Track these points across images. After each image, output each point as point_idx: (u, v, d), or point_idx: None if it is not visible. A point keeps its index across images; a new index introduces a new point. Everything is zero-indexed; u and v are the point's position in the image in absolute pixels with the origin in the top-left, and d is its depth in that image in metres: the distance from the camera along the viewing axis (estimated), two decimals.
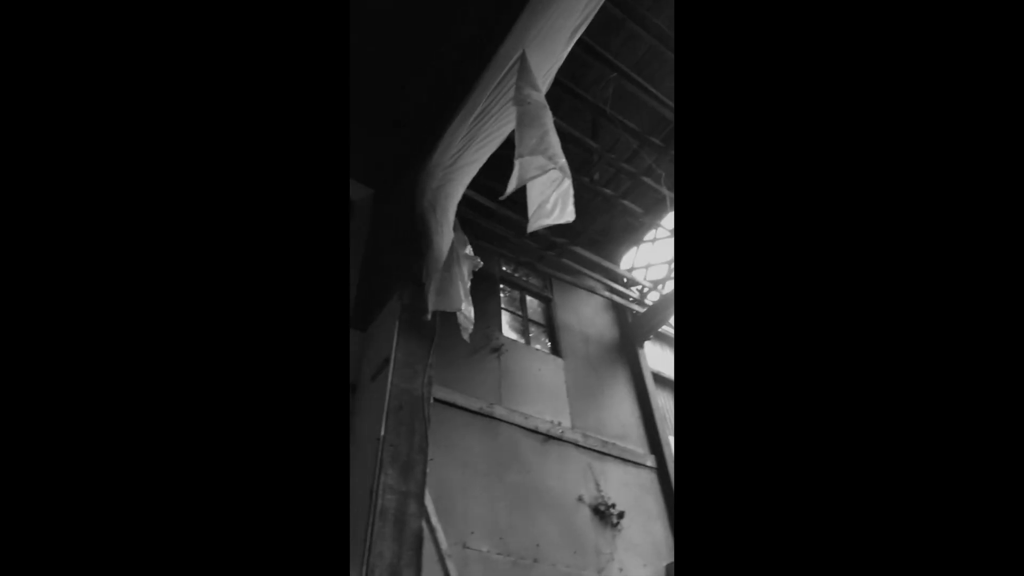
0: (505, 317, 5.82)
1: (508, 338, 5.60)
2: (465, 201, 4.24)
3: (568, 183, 3.29)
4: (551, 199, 3.45)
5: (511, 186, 3.08)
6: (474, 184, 4.13)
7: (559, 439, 5.07)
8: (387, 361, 3.56)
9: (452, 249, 3.88)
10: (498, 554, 4.09)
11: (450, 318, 3.92)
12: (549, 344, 6.02)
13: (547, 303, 6.39)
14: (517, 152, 2.99)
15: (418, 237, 4.00)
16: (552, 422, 5.15)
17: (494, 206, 5.27)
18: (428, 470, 3.31)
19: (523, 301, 6.19)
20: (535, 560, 4.24)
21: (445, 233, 3.80)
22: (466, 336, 3.81)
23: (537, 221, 3.45)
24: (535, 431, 4.98)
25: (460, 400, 4.68)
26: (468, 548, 3.96)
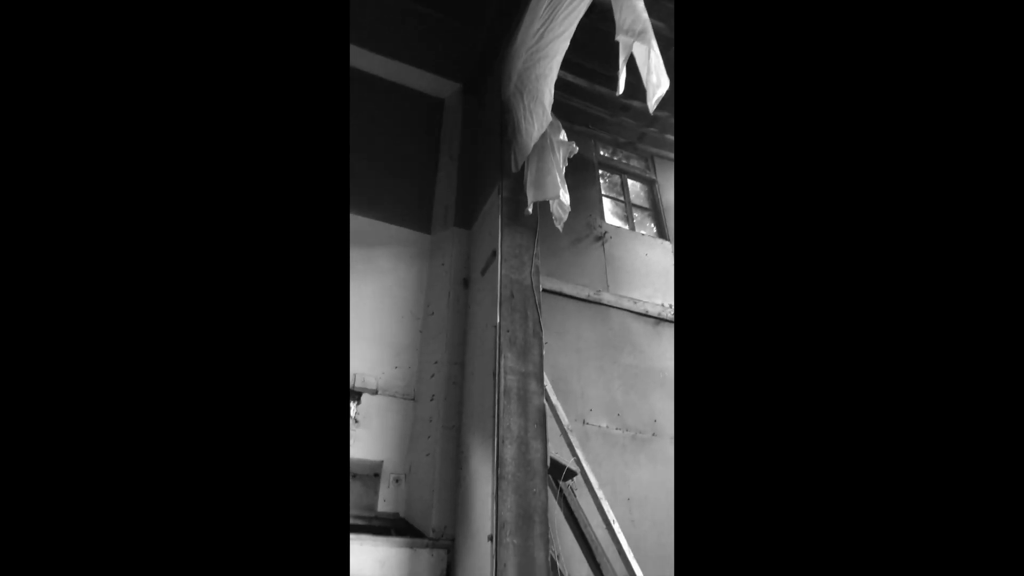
0: (607, 204, 5.67)
1: (611, 225, 5.48)
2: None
3: (655, 52, 2.99)
4: (652, 70, 3.16)
5: (621, 71, 2.89)
6: (562, 62, 3.87)
7: (671, 321, 5.03)
8: (494, 254, 3.65)
9: (545, 135, 3.75)
10: (616, 429, 4.30)
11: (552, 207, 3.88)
12: (654, 228, 5.82)
13: (650, 185, 6.09)
14: (617, 31, 2.76)
15: (505, 127, 3.89)
16: (663, 305, 5.10)
17: (585, 83, 4.95)
18: (544, 354, 3.46)
19: (624, 186, 5.95)
20: (653, 434, 4.41)
21: (537, 117, 3.66)
22: (559, 226, 3.77)
23: (652, 97, 3.21)
24: (645, 315, 4.97)
25: (568, 289, 4.74)
26: (588, 424, 4.19)
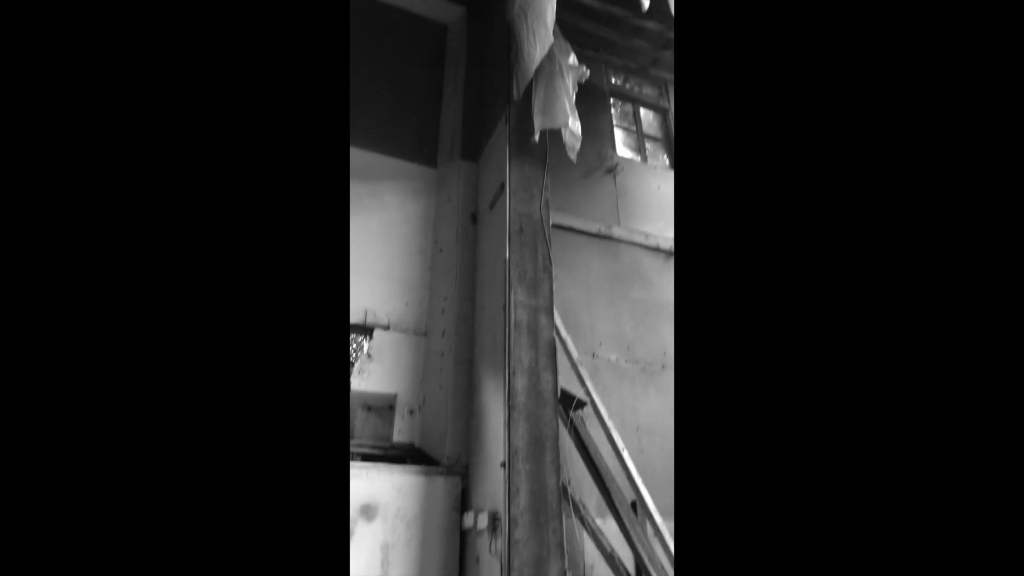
0: (618, 135, 5.47)
1: (623, 157, 5.31)
2: (562, 2, 3.77)
3: None
4: None
5: None
6: None
7: None
8: (503, 187, 3.56)
9: (553, 59, 3.56)
10: (626, 362, 4.34)
11: (560, 137, 3.74)
12: (667, 160, 5.64)
13: (663, 114, 5.86)
14: None
15: (508, 50, 3.70)
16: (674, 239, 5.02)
17: (598, 3, 4.66)
18: (554, 289, 3.44)
19: (637, 115, 5.73)
20: (663, 367, 4.45)
21: (540, 38, 3.46)
22: (572, 155, 3.64)
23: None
24: (657, 249, 4.90)
25: (578, 224, 4.66)
26: (597, 357, 4.23)
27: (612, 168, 5.10)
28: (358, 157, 4.06)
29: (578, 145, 3.66)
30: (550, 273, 3.43)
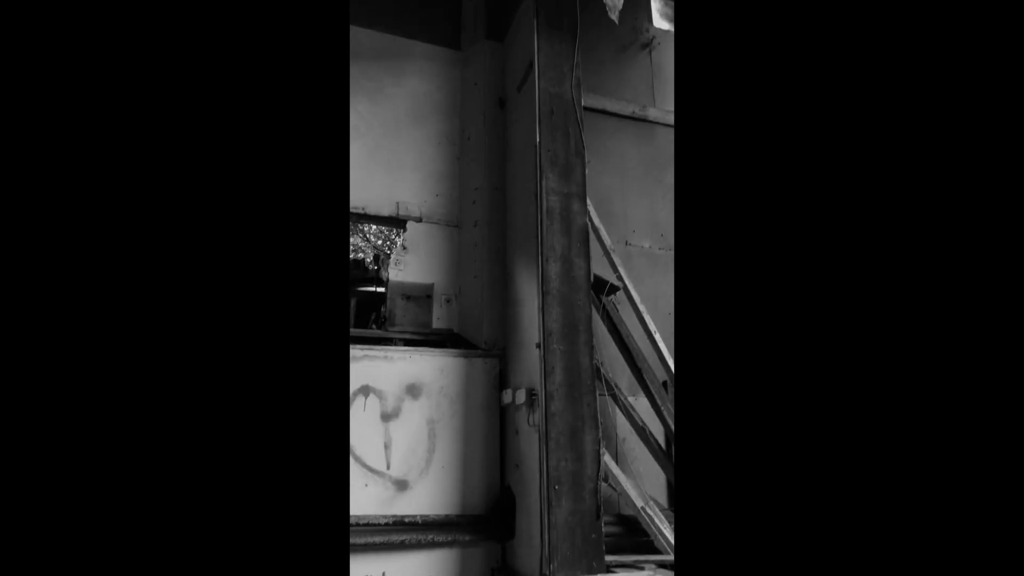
0: (655, 4, 5.02)
1: (659, 29, 4.91)
2: None
3: None
4: None
5: None
6: None
7: None
8: (531, 66, 3.37)
9: None
10: (659, 249, 4.31)
11: (592, 10, 3.46)
12: None
13: None
14: None
15: None
16: None
17: None
18: (586, 174, 3.36)
19: None
20: None
21: None
22: (614, 16, 3.38)
23: None
24: None
25: (611, 106, 4.44)
26: (631, 245, 4.21)
27: (648, 43, 4.74)
28: (379, 41, 3.87)
29: (620, 4, 3.38)
30: (582, 157, 3.34)
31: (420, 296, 3.59)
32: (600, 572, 2.61)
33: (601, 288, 3.58)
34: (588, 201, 3.36)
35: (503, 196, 3.72)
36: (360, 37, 3.79)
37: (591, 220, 3.43)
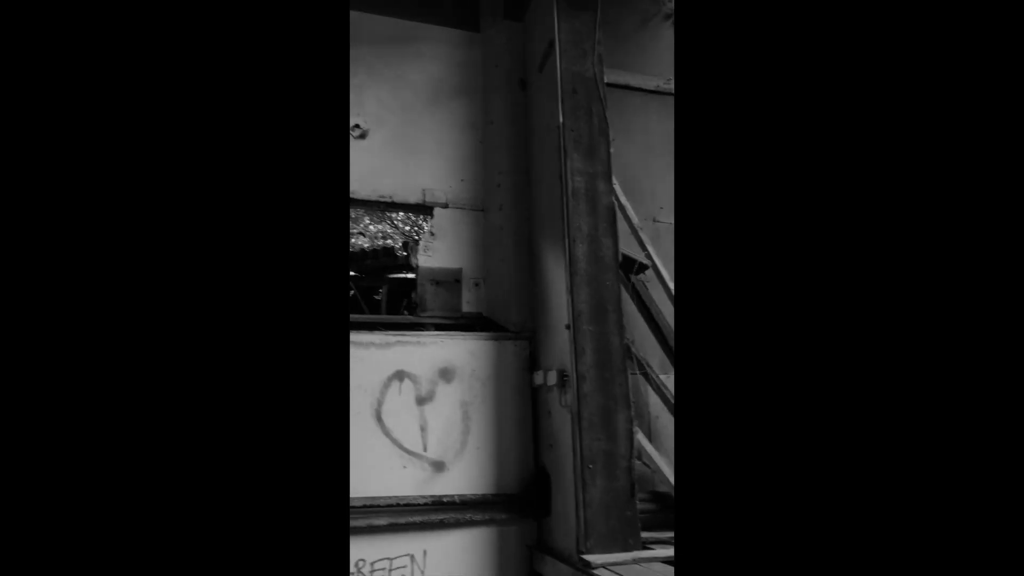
0: None
1: None
2: None
3: None
4: None
5: None
6: None
7: None
8: (551, 45, 3.33)
9: None
10: None
11: None
12: None
13: None
14: None
15: None
16: None
17: None
18: (611, 152, 3.32)
19: None
20: None
21: None
22: None
23: None
24: None
25: (634, 81, 4.35)
26: (658, 222, 4.16)
27: (670, 14, 4.61)
28: (397, 28, 3.86)
29: None
30: (607, 136, 3.30)
31: (449, 281, 3.63)
32: (636, 548, 2.64)
33: (630, 267, 3.55)
34: (614, 179, 3.33)
35: (528, 178, 3.70)
36: (376, 24, 3.79)
37: (617, 199, 3.39)
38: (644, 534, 2.74)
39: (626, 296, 3.83)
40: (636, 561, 2.55)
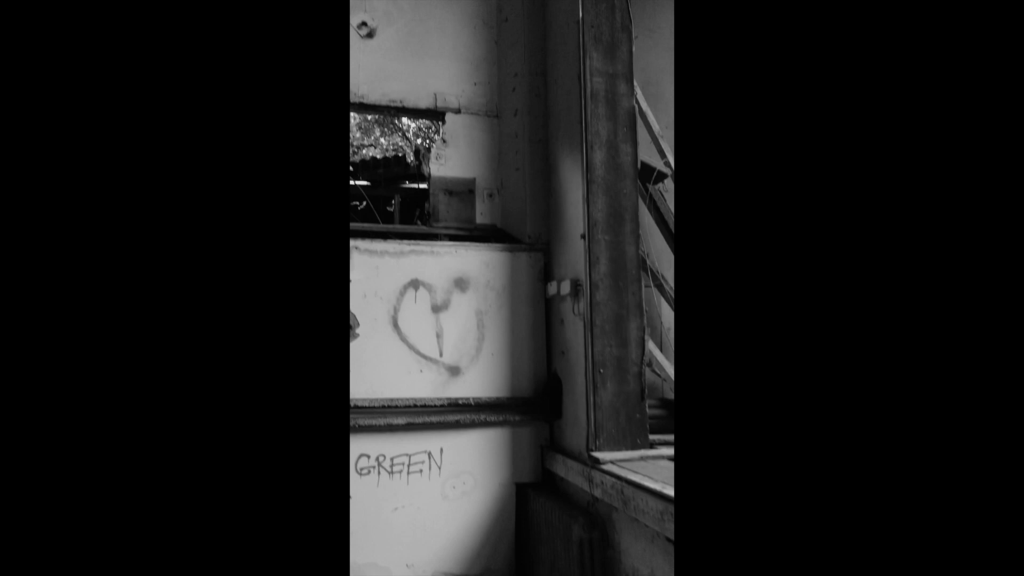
0: None
1: None
2: None
3: None
4: None
5: None
6: None
7: None
8: None
9: None
10: None
11: None
12: None
13: None
14: None
15: None
16: None
17: None
18: (633, 53, 3.12)
19: None
20: None
21: None
22: None
23: None
24: None
25: None
26: None
27: None
28: None
29: None
30: (629, 33, 3.09)
31: (462, 191, 3.57)
32: (644, 448, 2.76)
33: (648, 176, 3.45)
34: (635, 83, 3.15)
35: (544, 81, 3.53)
36: None
37: (638, 103, 3.23)
38: (652, 436, 2.85)
39: (643, 207, 3.75)
40: (643, 459, 2.67)
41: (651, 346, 3.43)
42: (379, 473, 3.03)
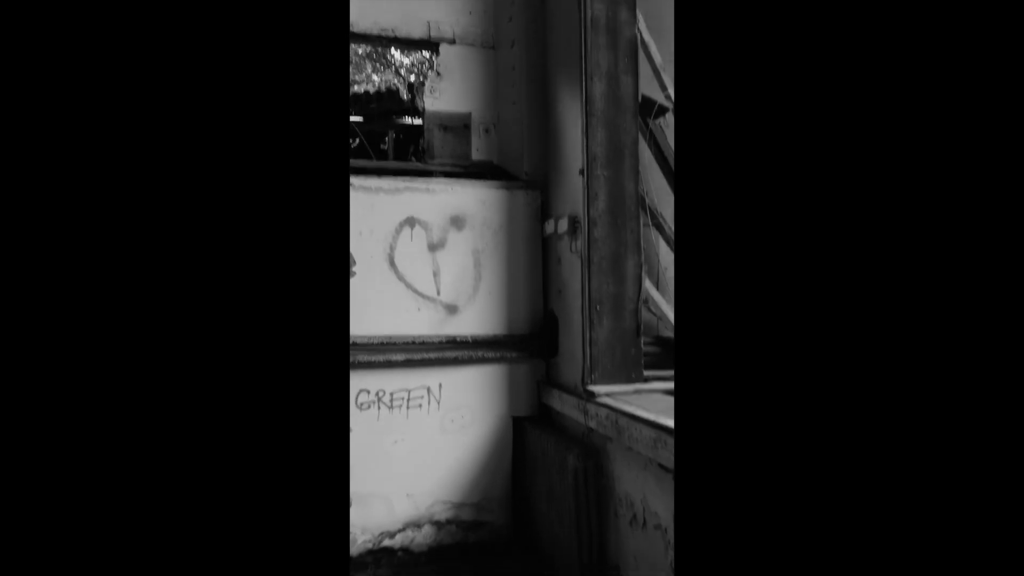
0: None
1: None
2: None
3: None
4: None
5: None
6: None
7: None
8: None
9: None
10: None
11: None
12: None
13: None
14: None
15: None
16: None
17: None
18: None
19: None
20: None
21: None
22: None
23: None
24: None
25: None
26: None
27: None
28: None
29: None
30: None
31: (458, 126, 3.48)
32: (639, 382, 2.81)
33: (649, 110, 3.36)
34: (638, 11, 3.01)
35: (543, 9, 3.37)
36: None
37: (640, 33, 3.10)
38: (647, 372, 2.91)
39: (643, 143, 3.67)
40: (637, 392, 2.73)
41: (648, 285, 3.44)
42: (379, 408, 3.09)
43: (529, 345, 3.28)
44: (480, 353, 3.20)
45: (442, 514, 3.17)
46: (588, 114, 2.82)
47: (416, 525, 3.14)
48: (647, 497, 2.26)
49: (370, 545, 3.07)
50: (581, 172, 2.86)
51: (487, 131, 3.50)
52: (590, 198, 2.82)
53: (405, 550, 3.12)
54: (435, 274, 3.19)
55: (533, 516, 3.17)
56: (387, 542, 3.10)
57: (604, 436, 2.57)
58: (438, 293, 3.19)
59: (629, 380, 2.81)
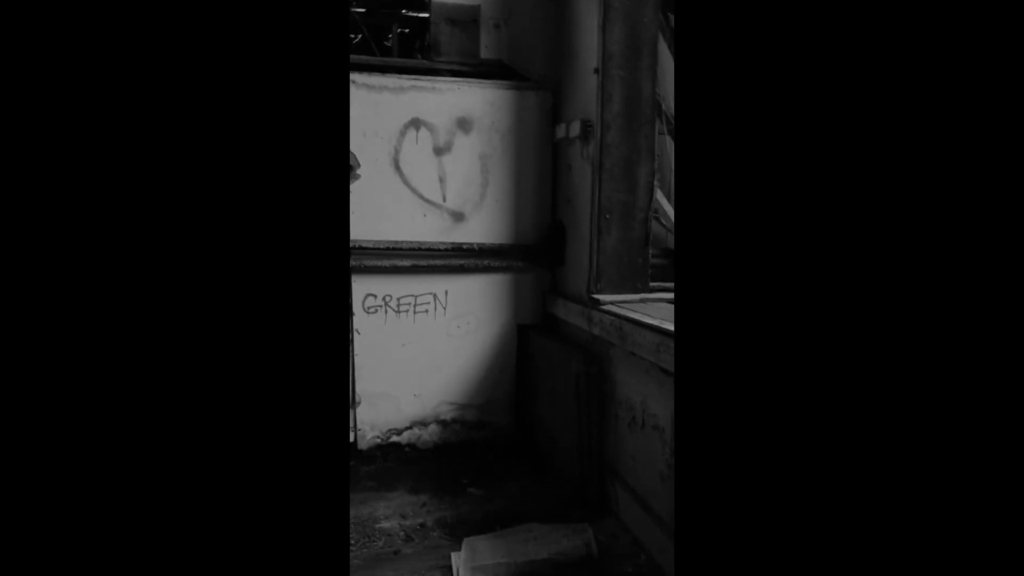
0: None
1: None
2: None
3: None
4: None
5: None
6: None
7: None
8: None
9: None
10: None
11: None
12: None
13: None
14: None
15: None
16: None
17: None
18: None
19: None
20: None
21: None
22: None
23: None
24: None
25: None
26: None
27: None
28: None
29: None
30: None
31: (466, 21, 3.25)
32: (644, 291, 2.82)
33: (670, 3, 3.12)
34: None
35: None
36: None
37: None
38: (653, 284, 2.90)
39: (663, 42, 3.45)
40: (642, 300, 2.74)
41: (659, 195, 3.35)
42: (386, 312, 3.13)
43: (536, 255, 3.26)
44: (486, 262, 3.19)
45: (448, 414, 3.30)
46: (606, 6, 2.62)
47: (423, 423, 3.28)
48: (647, 400, 2.32)
49: (378, 440, 3.23)
50: (596, 71, 2.69)
51: (497, 27, 3.27)
52: (604, 99, 2.68)
53: (412, 446, 3.28)
54: (441, 179, 3.11)
55: (536, 418, 3.29)
56: (395, 438, 3.25)
57: (607, 342, 2.61)
58: (444, 199, 3.13)
59: (635, 290, 2.81)
